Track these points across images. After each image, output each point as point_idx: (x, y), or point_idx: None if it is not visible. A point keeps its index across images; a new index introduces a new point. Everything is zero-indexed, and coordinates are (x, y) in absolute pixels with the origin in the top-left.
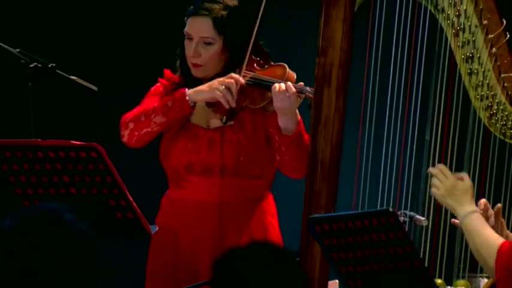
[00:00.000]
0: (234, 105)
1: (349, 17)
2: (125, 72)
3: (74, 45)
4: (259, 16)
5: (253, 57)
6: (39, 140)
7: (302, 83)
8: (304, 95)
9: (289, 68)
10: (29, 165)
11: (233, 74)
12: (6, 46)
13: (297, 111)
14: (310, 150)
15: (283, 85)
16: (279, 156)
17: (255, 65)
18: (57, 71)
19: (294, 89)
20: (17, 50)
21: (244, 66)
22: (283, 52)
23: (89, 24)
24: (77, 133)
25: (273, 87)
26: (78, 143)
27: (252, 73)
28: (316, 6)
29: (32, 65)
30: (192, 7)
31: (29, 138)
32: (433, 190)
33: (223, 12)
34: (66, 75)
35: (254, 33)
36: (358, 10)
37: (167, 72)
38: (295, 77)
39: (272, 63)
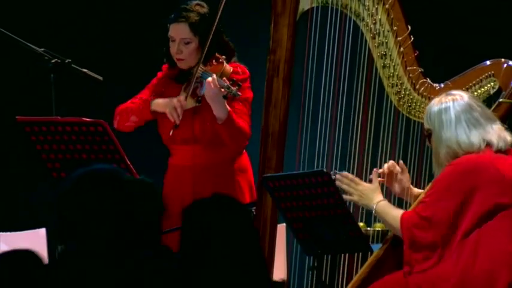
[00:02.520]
0: (178, 121)
1: (293, 24)
2: (125, 66)
3: (85, 44)
4: (213, 29)
5: (216, 54)
6: (59, 117)
7: (225, 78)
8: (225, 90)
9: (249, 62)
10: (52, 137)
11: (181, 99)
12: (33, 46)
13: (226, 104)
14: (263, 125)
15: (210, 78)
16: (219, 132)
17: (213, 61)
18: (72, 65)
19: (216, 82)
20: (42, 49)
21: (200, 63)
22: (243, 51)
23: (96, 26)
24: (88, 112)
25: (208, 79)
26: (89, 119)
27: (205, 68)
28: (267, 16)
29: (53, 61)
30: (172, 15)
31: (51, 116)
32: (347, 197)
33: (197, 18)
34: (79, 68)
35: (208, 41)
36: (299, 19)
37: (164, 67)
38: (231, 71)
39: (234, 58)
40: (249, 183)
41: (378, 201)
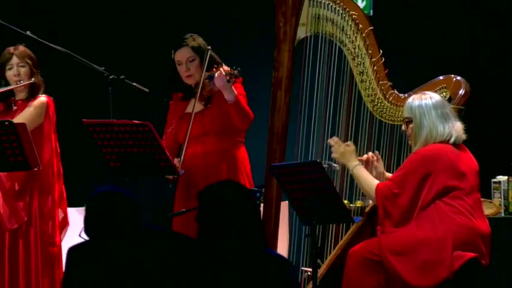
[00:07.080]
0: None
1: (292, 49)
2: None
3: (136, 64)
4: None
5: (215, 66)
6: (115, 120)
7: (227, 70)
8: (228, 76)
9: (258, 78)
10: (110, 135)
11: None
12: (94, 65)
13: (233, 88)
14: (269, 126)
15: (217, 73)
16: (231, 115)
17: (213, 68)
18: (125, 80)
19: (223, 72)
20: (102, 68)
21: (204, 72)
22: (254, 70)
23: (146, 49)
24: (137, 116)
25: (215, 75)
26: (138, 122)
27: (208, 73)
28: (272, 43)
29: (110, 77)
30: (174, 47)
31: (109, 119)
32: (333, 154)
33: (194, 42)
34: (130, 82)
35: (207, 59)
36: (297, 45)
37: (173, 95)
38: (227, 68)
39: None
40: (246, 171)
41: (355, 164)
